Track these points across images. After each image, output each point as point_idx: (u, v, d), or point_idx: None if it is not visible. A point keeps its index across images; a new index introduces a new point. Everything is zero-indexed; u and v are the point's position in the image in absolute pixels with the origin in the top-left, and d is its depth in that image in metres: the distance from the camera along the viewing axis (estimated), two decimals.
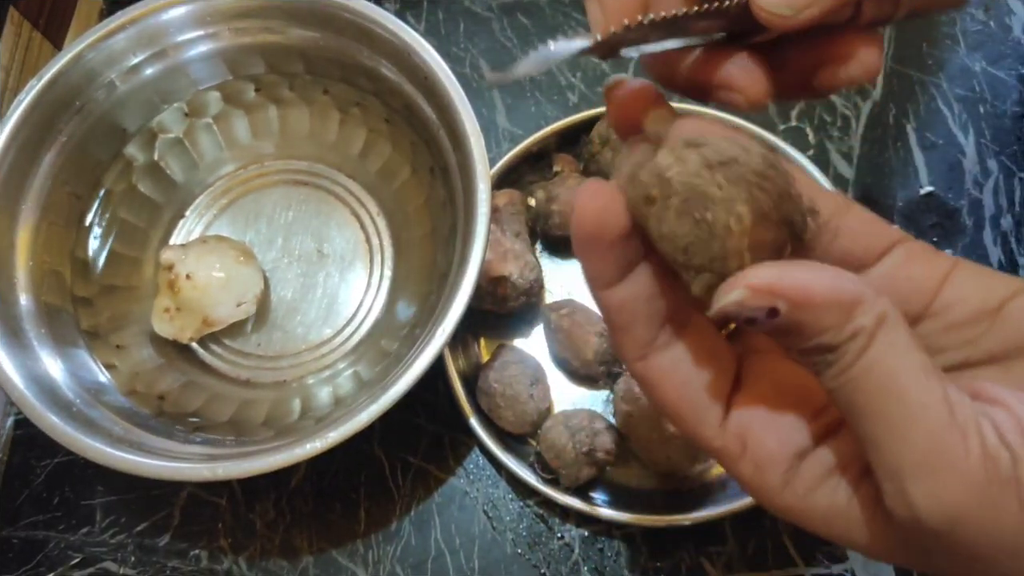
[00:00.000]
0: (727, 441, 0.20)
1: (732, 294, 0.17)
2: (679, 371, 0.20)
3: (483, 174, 0.40)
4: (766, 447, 0.19)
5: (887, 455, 0.17)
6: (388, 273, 0.49)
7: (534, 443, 0.45)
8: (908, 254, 0.20)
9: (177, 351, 0.47)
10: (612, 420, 0.44)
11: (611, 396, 0.45)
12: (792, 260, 0.17)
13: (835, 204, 0.20)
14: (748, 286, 0.16)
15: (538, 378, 0.44)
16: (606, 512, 0.42)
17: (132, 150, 0.49)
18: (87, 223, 0.47)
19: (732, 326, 0.22)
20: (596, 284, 0.20)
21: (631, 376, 0.21)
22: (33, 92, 0.43)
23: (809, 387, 0.20)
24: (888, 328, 0.17)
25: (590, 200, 0.19)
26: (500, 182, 0.50)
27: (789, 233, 0.18)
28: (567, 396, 0.47)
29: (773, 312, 0.16)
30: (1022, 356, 0.19)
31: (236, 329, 0.47)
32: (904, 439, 0.16)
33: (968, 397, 0.17)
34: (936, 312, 0.20)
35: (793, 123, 0.53)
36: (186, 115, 0.50)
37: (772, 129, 0.50)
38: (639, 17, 0.19)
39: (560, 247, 0.51)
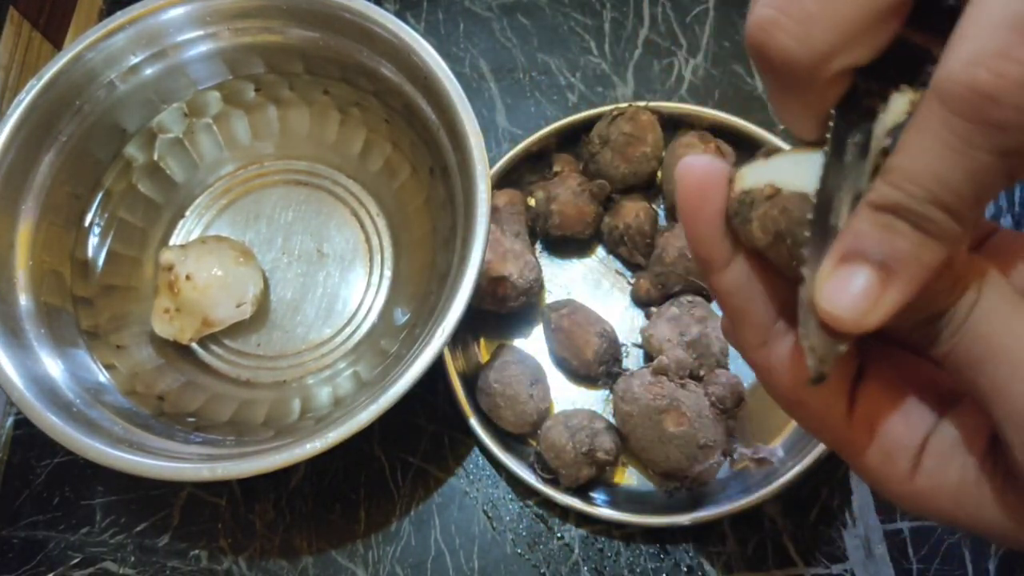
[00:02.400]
0: (854, 431, 0.20)
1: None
2: (803, 360, 0.19)
3: (483, 174, 0.40)
4: (896, 432, 0.19)
5: (1011, 401, 0.17)
6: (388, 273, 0.49)
7: (534, 443, 0.45)
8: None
9: (177, 351, 0.47)
10: (612, 420, 0.44)
11: (611, 396, 0.45)
12: None
13: None
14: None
15: (538, 378, 0.44)
16: (606, 512, 0.42)
17: (132, 150, 0.49)
18: (87, 223, 0.47)
19: None
20: (707, 266, 0.20)
21: (750, 367, 0.21)
22: (33, 92, 0.43)
23: (929, 371, 0.20)
24: (992, 280, 0.17)
25: (689, 172, 0.20)
26: (500, 182, 0.50)
27: None
28: (567, 396, 0.47)
29: None
30: None
31: (236, 329, 0.47)
32: None
33: None
34: None
35: None
36: (186, 115, 0.50)
37: (772, 128, 0.50)
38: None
39: (560, 247, 0.51)
